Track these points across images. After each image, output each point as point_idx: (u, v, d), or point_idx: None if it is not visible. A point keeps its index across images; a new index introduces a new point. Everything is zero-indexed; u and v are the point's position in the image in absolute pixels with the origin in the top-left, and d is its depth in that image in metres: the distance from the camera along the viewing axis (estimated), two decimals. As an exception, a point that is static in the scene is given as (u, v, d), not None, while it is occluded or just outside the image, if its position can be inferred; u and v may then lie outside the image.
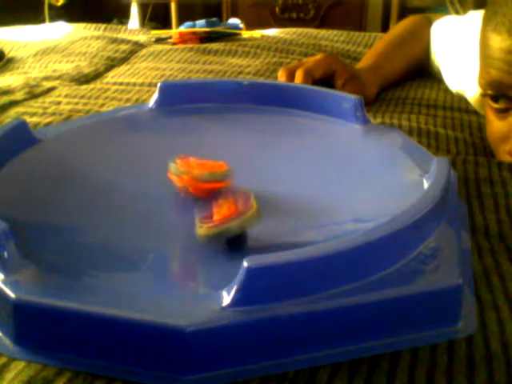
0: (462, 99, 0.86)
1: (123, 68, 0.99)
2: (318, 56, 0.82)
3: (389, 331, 0.34)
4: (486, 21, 0.63)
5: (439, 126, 0.73)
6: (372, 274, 0.35)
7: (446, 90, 0.90)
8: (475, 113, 0.81)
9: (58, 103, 0.78)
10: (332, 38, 1.26)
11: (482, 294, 0.39)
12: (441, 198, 0.40)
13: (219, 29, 1.21)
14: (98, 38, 1.15)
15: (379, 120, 0.73)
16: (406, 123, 0.72)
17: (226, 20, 1.28)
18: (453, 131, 0.72)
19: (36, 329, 0.33)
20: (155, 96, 0.65)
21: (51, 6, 2.53)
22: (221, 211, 0.40)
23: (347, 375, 0.32)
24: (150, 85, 0.87)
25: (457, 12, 2.27)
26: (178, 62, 1.01)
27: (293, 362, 0.32)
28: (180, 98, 0.65)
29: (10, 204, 0.44)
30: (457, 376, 0.33)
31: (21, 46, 1.12)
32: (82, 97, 0.80)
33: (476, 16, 0.86)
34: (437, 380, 0.32)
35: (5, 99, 0.79)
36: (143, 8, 2.72)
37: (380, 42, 0.97)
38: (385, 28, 2.33)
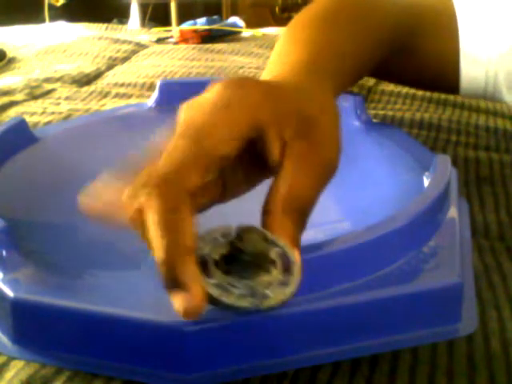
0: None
1: (125, 66, 0.99)
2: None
3: (389, 330, 0.34)
4: None
5: (444, 120, 0.73)
6: (372, 272, 0.34)
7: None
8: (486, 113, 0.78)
9: (58, 104, 0.78)
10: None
11: (482, 293, 0.39)
12: (441, 196, 0.40)
13: (220, 26, 1.21)
14: (100, 38, 1.16)
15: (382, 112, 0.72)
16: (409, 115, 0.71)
17: (227, 19, 1.28)
18: (457, 125, 0.71)
19: (35, 328, 0.33)
20: (155, 94, 0.65)
21: (51, 6, 2.52)
22: None
23: (348, 375, 0.32)
24: (151, 85, 0.86)
25: None
26: (180, 59, 1.01)
27: (292, 361, 0.32)
28: (180, 97, 0.65)
29: (9, 202, 0.44)
30: (457, 376, 0.32)
31: (22, 45, 1.12)
32: (83, 99, 0.80)
33: None
34: (437, 380, 0.32)
35: (5, 100, 0.79)
36: (143, 8, 2.72)
37: (300, 22, 0.54)
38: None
